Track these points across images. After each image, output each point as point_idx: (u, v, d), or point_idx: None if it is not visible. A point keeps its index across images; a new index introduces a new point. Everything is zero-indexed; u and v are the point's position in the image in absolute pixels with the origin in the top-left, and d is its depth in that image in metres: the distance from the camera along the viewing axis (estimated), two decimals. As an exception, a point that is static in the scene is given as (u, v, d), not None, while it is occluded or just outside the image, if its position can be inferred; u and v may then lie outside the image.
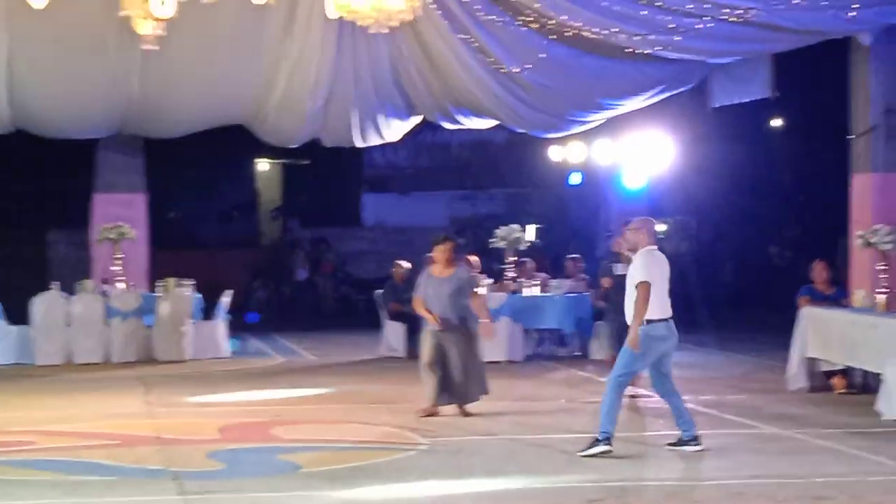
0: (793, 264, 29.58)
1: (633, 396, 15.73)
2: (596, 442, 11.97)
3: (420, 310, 14.47)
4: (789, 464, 11.56)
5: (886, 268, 15.51)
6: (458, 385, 14.36)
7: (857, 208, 18.80)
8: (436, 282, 14.46)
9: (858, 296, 16.10)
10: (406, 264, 21.75)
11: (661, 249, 12.55)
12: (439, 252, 14.57)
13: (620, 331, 15.89)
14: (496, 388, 16.64)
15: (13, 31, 19.48)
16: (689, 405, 15.11)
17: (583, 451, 11.96)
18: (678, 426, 12.37)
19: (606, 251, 18.40)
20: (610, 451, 11.90)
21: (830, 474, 11.00)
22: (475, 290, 14.69)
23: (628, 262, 15.52)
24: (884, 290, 15.36)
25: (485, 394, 14.63)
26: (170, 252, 26.58)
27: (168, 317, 20.69)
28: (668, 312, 12.33)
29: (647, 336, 12.15)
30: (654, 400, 15.49)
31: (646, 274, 12.20)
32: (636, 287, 12.18)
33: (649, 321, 12.14)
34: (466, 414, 14.38)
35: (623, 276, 15.72)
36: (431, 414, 14.35)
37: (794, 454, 12.07)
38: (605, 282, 16.87)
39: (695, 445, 12.15)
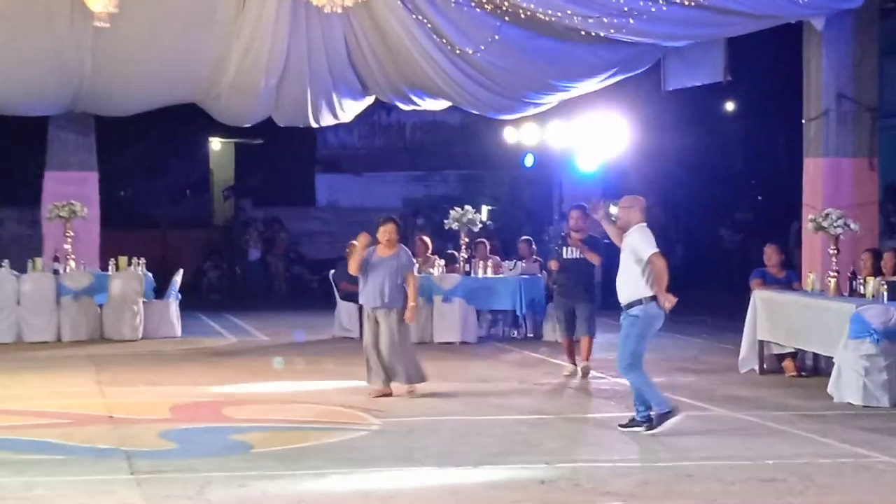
0: (744, 247, 29.73)
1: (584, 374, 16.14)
2: (662, 417, 12.06)
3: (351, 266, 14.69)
4: (740, 446, 11.62)
5: (837, 251, 15.58)
6: (391, 366, 14.45)
7: (809, 192, 18.89)
8: (377, 261, 14.57)
9: (810, 279, 16.18)
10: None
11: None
12: (382, 233, 14.72)
13: (569, 315, 16.19)
14: (449, 370, 16.73)
15: (-37, 7, 19.31)
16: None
17: (652, 428, 12.05)
18: (635, 406, 12.43)
19: (556, 235, 18.43)
20: (678, 417, 12.09)
21: (781, 456, 11.07)
22: (410, 272, 14.75)
23: (576, 245, 16.10)
24: (835, 273, 15.43)
25: (423, 380, 14.66)
26: (121, 231, 26.45)
27: (119, 296, 20.59)
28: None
29: (646, 314, 12.15)
30: (605, 381, 15.58)
31: (653, 245, 12.15)
32: (649, 260, 12.07)
33: (650, 298, 12.12)
34: (413, 394, 14.44)
35: (571, 260, 16.23)
36: (384, 394, 14.38)
37: (745, 436, 12.13)
38: (553, 264, 16.88)
39: (647, 427, 12.18)
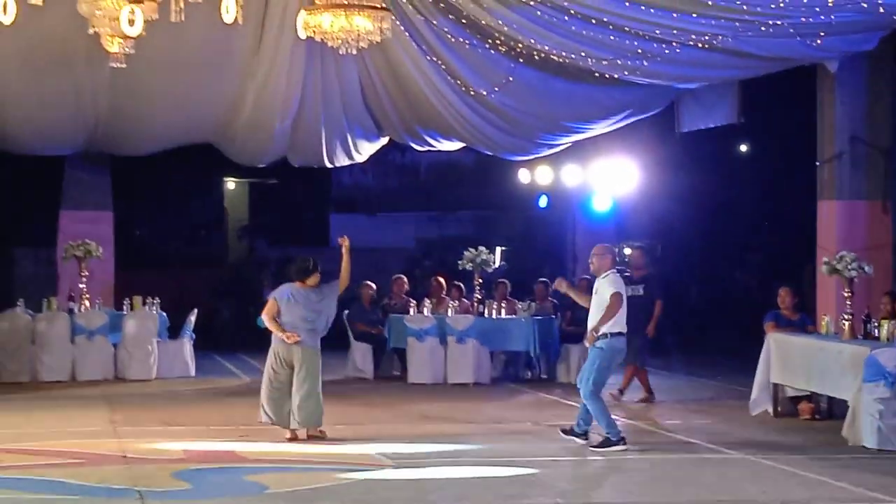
0: (759, 289, 29.66)
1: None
2: (610, 442, 13.60)
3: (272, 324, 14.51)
4: (755, 489, 11.59)
5: (852, 294, 15.57)
6: (295, 409, 14.32)
7: (823, 235, 18.89)
8: (301, 295, 14.47)
9: (824, 322, 16.15)
10: (373, 285, 21.77)
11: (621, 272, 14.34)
12: (314, 279, 14.57)
13: (633, 346, 16.97)
14: (463, 411, 16.75)
15: (-21, 47, 19.41)
16: (654, 429, 15.25)
17: (596, 446, 13.65)
18: (579, 421, 13.99)
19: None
20: (626, 448, 13.55)
21: (796, 500, 11.05)
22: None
23: (638, 282, 17.73)
24: (849, 316, 15.41)
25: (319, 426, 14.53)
26: (136, 270, 26.47)
27: (134, 335, 20.62)
28: (626, 328, 14.02)
29: (611, 348, 13.84)
30: (619, 423, 15.54)
31: (617, 288, 13.89)
32: (610, 297, 13.78)
33: (616, 334, 13.86)
34: (319, 437, 14.35)
35: (634, 297, 16.99)
36: (293, 439, 14.30)
37: (760, 479, 12.10)
38: None
39: (584, 440, 13.86)
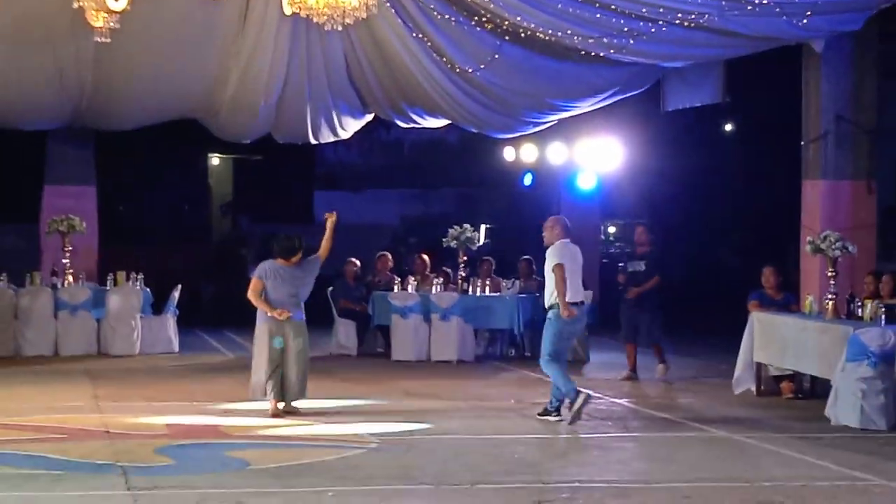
0: (743, 268, 29.70)
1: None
2: (577, 409, 13.82)
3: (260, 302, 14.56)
4: (737, 467, 11.62)
5: (836, 274, 15.59)
6: (291, 383, 14.44)
7: (808, 214, 18.92)
8: (286, 272, 14.57)
9: (808, 301, 16.18)
10: (357, 262, 21.76)
11: (576, 242, 14.59)
12: (297, 257, 14.69)
13: (631, 324, 18.12)
14: (446, 388, 16.79)
15: (-36, 21, 19.33)
16: (638, 407, 15.28)
17: (572, 422, 13.83)
18: (552, 399, 14.19)
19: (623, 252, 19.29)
20: (588, 398, 13.92)
21: (777, 478, 11.07)
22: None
23: (641, 258, 18.08)
24: (833, 295, 15.44)
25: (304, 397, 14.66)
26: (119, 246, 26.41)
27: (117, 311, 20.60)
28: (580, 297, 14.34)
29: (559, 318, 14.07)
30: (602, 402, 15.58)
31: (558, 259, 14.07)
32: (552, 270, 14.05)
33: (569, 304, 14.02)
34: (294, 412, 14.42)
35: (636, 273, 18.08)
36: (278, 414, 14.35)
37: (742, 458, 12.13)
38: (620, 277, 18.54)
39: (557, 416, 14.06)
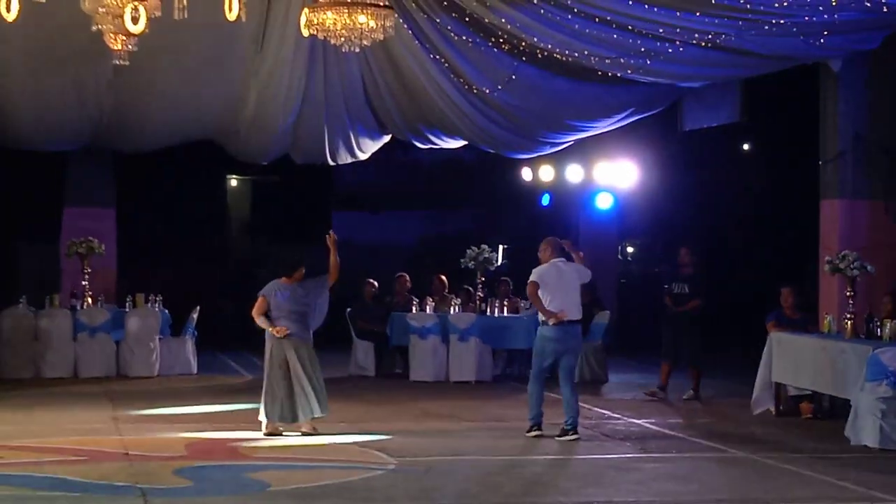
0: (761, 288, 29.62)
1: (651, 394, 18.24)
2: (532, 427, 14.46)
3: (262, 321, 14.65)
4: (757, 488, 11.60)
5: (854, 294, 15.56)
6: (302, 400, 14.45)
7: (826, 234, 18.88)
8: (288, 290, 14.65)
9: (827, 321, 16.16)
10: (375, 283, 21.79)
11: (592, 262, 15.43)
12: (299, 274, 14.80)
13: (674, 341, 18.31)
14: (465, 409, 16.76)
15: (-16, 43, 19.43)
16: (657, 427, 15.23)
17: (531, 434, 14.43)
18: (567, 418, 14.41)
19: (666, 271, 19.41)
20: (538, 435, 14.36)
21: (798, 499, 11.06)
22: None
23: (684, 279, 18.33)
24: (851, 315, 15.41)
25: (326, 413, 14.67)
26: (138, 267, 26.46)
27: (136, 332, 20.66)
28: (574, 315, 14.62)
29: (539, 335, 14.68)
30: (620, 422, 15.57)
31: (534, 277, 14.61)
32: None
33: (543, 322, 14.55)
34: (311, 432, 14.44)
35: (680, 295, 18.31)
36: (273, 433, 14.39)
37: (762, 478, 12.11)
38: (667, 299, 18.66)
39: (574, 435, 14.27)
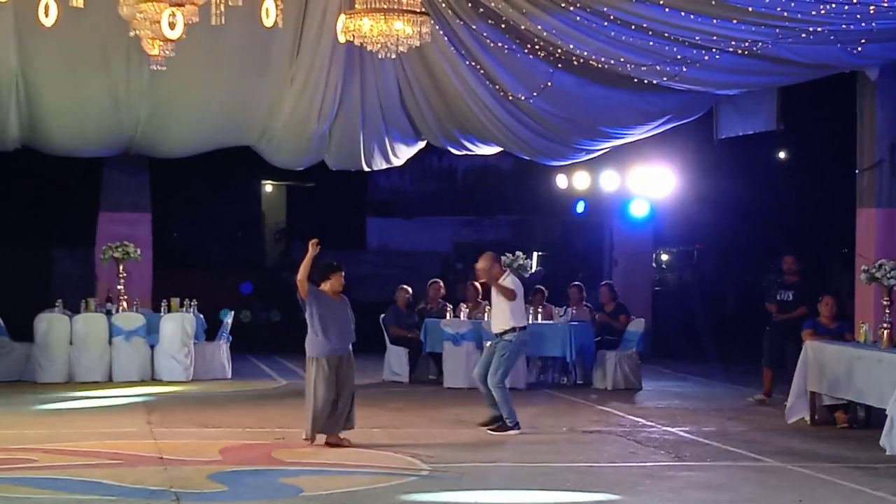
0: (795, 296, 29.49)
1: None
2: (506, 426, 15.28)
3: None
4: (792, 498, 11.55)
5: (891, 303, 15.49)
6: (341, 413, 14.31)
7: (862, 243, 18.80)
8: (333, 304, 14.47)
9: (863, 330, 16.08)
10: (409, 289, 21.79)
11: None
12: (338, 280, 14.60)
13: (777, 350, 18.33)
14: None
15: (22, 49, 19.54)
16: (691, 436, 15.17)
17: (493, 429, 15.28)
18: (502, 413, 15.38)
19: (771, 280, 19.59)
20: (521, 432, 15.13)
21: (832, 509, 11.00)
22: None
23: (789, 287, 18.73)
24: (888, 324, 15.34)
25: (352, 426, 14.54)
26: (173, 272, 26.56)
27: (171, 337, 20.69)
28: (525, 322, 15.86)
29: (518, 340, 15.55)
30: (654, 430, 15.53)
31: (515, 287, 15.64)
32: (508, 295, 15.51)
33: (521, 328, 15.59)
34: (348, 443, 14.29)
35: (785, 302, 18.42)
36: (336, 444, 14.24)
37: (798, 488, 12.05)
38: (772, 307, 18.76)
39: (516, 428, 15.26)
